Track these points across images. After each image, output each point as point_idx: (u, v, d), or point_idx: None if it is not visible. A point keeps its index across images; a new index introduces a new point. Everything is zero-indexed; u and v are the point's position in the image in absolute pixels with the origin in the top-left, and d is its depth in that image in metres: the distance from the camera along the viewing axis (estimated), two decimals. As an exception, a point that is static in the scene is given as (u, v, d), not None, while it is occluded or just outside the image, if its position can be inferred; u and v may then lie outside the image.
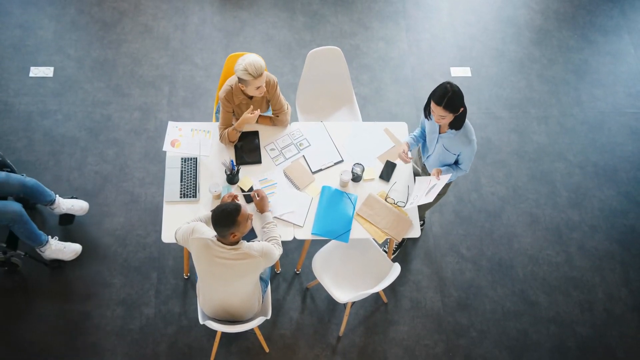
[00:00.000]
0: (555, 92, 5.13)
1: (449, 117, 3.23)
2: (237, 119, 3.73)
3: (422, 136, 3.72)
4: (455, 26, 5.38)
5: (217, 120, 4.14)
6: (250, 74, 3.40)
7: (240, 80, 3.48)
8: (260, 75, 3.43)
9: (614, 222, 4.60)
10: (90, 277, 4.11)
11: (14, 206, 3.71)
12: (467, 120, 3.37)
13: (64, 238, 4.19)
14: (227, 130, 3.71)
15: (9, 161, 3.88)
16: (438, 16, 5.42)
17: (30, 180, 3.90)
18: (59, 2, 5.18)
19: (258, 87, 3.50)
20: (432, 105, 3.22)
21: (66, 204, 4.14)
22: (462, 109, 3.23)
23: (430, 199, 3.41)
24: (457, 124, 3.31)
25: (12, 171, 3.93)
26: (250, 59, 3.41)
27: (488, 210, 4.57)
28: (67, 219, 4.24)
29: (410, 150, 3.71)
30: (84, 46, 4.99)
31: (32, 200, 4.02)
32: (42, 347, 3.87)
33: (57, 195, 4.10)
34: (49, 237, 4.01)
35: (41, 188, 3.96)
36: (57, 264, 4.09)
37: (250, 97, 3.69)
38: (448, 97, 3.15)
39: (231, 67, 4.11)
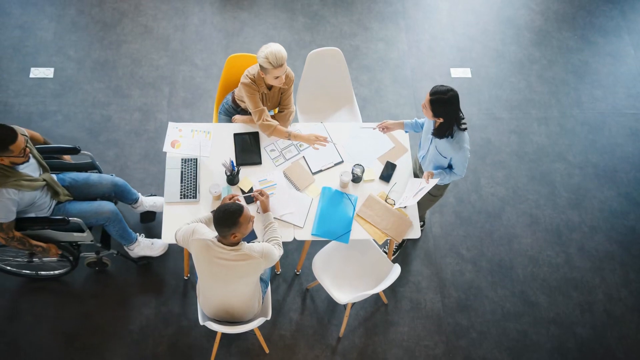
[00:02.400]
0: (555, 93, 5.13)
1: (427, 111, 3.30)
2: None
3: (422, 127, 3.76)
4: (455, 27, 5.38)
5: (218, 120, 4.14)
6: (270, 62, 3.45)
7: (260, 67, 3.54)
8: (281, 66, 3.48)
9: (614, 223, 4.60)
10: (90, 277, 4.11)
11: (109, 206, 3.70)
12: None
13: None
14: (277, 125, 3.72)
15: (97, 162, 3.88)
16: (438, 17, 5.42)
17: (120, 180, 3.90)
18: (59, 2, 5.18)
19: (277, 77, 3.55)
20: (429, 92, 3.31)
21: (148, 202, 4.17)
22: (441, 119, 3.29)
23: (414, 202, 3.44)
24: (437, 132, 3.38)
25: (100, 172, 3.93)
26: (273, 48, 3.47)
27: (488, 211, 4.57)
28: (149, 216, 4.26)
29: (407, 132, 3.86)
30: (84, 47, 4.99)
31: (119, 199, 4.03)
32: (38, 347, 3.87)
33: (139, 194, 4.11)
34: (138, 234, 4.03)
35: (128, 187, 3.97)
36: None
37: (269, 88, 3.73)
38: (440, 96, 3.21)
39: (231, 68, 4.12)
